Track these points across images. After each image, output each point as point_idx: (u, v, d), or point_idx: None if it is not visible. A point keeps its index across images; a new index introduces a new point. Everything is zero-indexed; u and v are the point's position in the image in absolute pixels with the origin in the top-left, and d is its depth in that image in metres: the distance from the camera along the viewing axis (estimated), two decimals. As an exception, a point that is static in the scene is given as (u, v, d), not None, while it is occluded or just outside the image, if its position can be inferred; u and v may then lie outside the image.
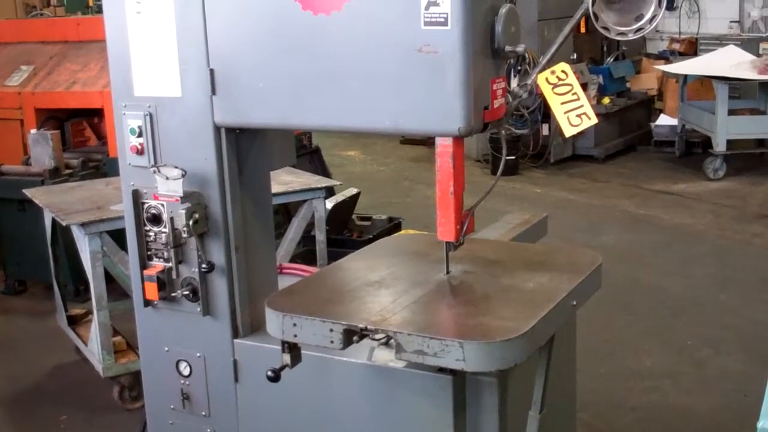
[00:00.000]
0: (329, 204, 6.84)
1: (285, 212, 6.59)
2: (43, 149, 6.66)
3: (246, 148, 3.12)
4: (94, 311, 4.88)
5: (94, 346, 5.02)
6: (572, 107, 2.72)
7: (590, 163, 11.01)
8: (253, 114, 2.92)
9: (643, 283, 6.83)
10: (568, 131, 2.71)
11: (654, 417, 4.71)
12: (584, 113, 2.71)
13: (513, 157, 10.40)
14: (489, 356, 2.39)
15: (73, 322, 5.65)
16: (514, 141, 10.37)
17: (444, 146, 2.63)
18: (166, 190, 3.08)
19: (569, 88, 2.70)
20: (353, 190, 7.29)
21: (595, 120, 2.70)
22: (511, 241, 3.52)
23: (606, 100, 11.15)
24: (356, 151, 12.47)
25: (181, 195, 3.05)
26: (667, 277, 6.93)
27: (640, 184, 10.05)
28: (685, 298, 6.48)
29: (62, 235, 5.81)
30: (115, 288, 5.46)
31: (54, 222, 5.53)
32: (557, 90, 2.71)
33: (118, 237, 4.61)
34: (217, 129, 3.01)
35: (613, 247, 7.56)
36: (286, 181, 5.44)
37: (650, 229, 8.34)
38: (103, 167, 6.93)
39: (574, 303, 2.76)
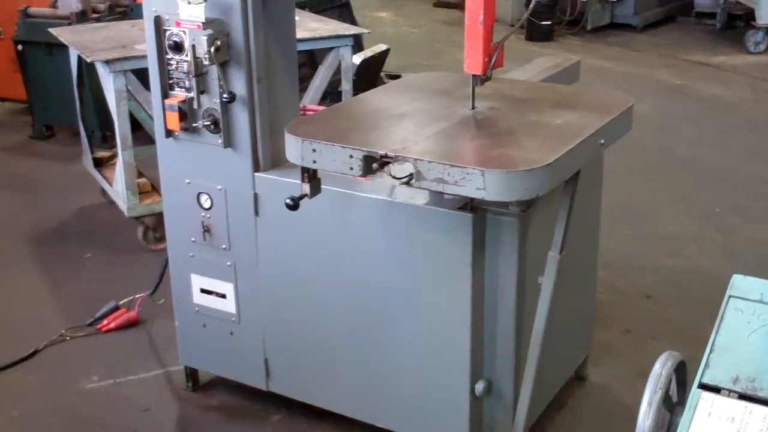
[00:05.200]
0: (358, 59, 6.70)
1: (312, 64, 6.48)
2: (71, -8, 6.54)
3: (271, -26, 3.02)
4: (119, 151, 4.86)
5: (119, 186, 5.03)
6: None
7: (628, 32, 10.70)
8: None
9: (675, 151, 6.70)
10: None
11: (675, 279, 4.67)
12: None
13: (548, 23, 10.12)
14: (510, 186, 2.34)
15: (99, 164, 5.65)
16: (550, 6, 10.07)
17: (475, -29, 2.52)
18: (188, 16, 3.00)
19: None
20: (382, 47, 7.13)
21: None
22: (541, 82, 3.42)
23: (648, -33, 10.76)
24: (388, 12, 12.20)
25: (203, 21, 2.97)
26: (699, 147, 6.80)
27: (677, 54, 9.78)
28: (716, 168, 6.37)
29: (89, 77, 5.76)
30: (141, 136, 5.44)
31: (80, 63, 5.46)
32: None
33: (144, 77, 4.55)
34: (241, -50, 2.90)
35: (646, 116, 7.38)
36: (313, 27, 5.32)
37: (685, 100, 8.15)
38: (130, 13, 6.79)
39: (602, 142, 2.69)
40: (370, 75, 7.10)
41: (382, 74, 7.42)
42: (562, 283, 2.81)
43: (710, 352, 2.01)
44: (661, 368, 2.15)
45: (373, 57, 7.03)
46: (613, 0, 10.57)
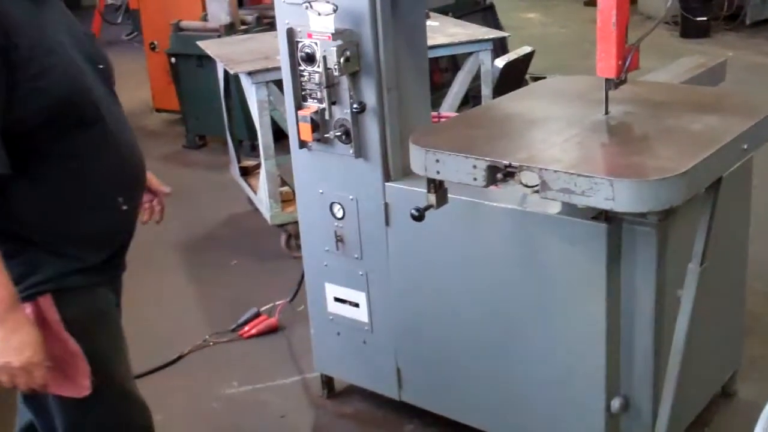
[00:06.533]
0: (501, 62, 6.60)
1: (455, 69, 6.43)
2: (219, 5, 6.74)
3: (400, -18, 3.00)
4: (262, 160, 4.97)
5: (262, 194, 5.14)
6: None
7: (791, 27, 10.17)
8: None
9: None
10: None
11: (839, 290, 4.37)
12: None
13: (704, 18, 9.71)
14: (641, 196, 2.23)
15: (246, 173, 5.79)
16: (706, 1, 9.66)
17: (606, -29, 2.42)
18: (319, 27, 3.02)
19: None
20: (527, 49, 6.98)
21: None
22: (682, 84, 3.26)
23: (814, -44, 10.16)
24: (536, 13, 12.02)
25: (333, 32, 2.98)
26: None
27: (844, 49, 9.21)
28: None
29: (236, 88, 5.91)
30: (287, 143, 5.53)
31: (226, 75, 5.62)
32: None
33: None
34: (370, -40, 2.89)
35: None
36: (452, 33, 5.28)
37: None
38: (277, 23, 6.93)
39: (745, 147, 2.52)
40: (514, 77, 6.97)
41: (527, 76, 7.29)
42: (704, 295, 2.66)
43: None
44: (774, 408, 1.96)
45: (516, 60, 6.90)
46: (775, -7, 10.05)
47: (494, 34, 5.54)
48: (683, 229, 2.68)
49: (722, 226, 2.72)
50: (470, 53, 5.33)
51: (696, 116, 2.68)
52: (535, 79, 7.31)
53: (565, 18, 11.62)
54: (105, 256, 2.30)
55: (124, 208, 2.31)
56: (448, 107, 5.26)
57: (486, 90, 5.24)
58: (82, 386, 2.19)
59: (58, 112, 2.11)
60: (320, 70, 3.05)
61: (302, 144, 3.25)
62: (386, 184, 3.11)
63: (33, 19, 2.09)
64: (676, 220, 2.64)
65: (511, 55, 6.87)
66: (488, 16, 7.58)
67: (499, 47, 7.07)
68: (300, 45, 3.10)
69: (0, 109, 2.01)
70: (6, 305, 2.02)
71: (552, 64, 8.50)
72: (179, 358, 4.05)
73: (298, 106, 3.19)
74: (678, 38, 9.77)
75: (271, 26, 6.93)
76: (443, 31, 5.27)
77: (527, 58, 7.09)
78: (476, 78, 5.47)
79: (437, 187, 2.66)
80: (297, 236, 5.06)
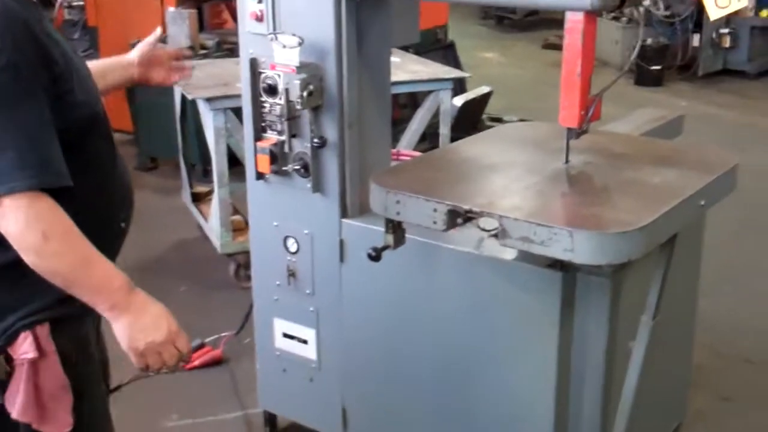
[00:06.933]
0: (459, 101, 6.66)
1: (414, 106, 6.44)
2: (179, 28, 6.67)
3: (367, 19, 2.99)
4: (215, 188, 4.91)
5: (213, 222, 5.07)
6: (721, -15, 2.44)
7: (741, 79, 10.36)
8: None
9: (786, 206, 6.41)
10: (714, 13, 2.44)
11: (782, 344, 4.43)
12: (735, -8, 2.43)
13: (658, 68, 9.90)
14: (600, 248, 2.22)
15: (197, 199, 5.72)
16: (661, 50, 9.86)
17: (574, 22, 2.43)
18: (283, 59, 2.99)
19: (720, -37, 2.43)
20: (485, 89, 7.07)
21: (746, 2, 2.42)
22: (641, 136, 3.29)
23: (764, 13, 10.37)
24: (495, 53, 12.14)
25: (297, 65, 2.95)
26: (814, 203, 6.48)
27: (793, 104, 9.43)
28: (832, 226, 6.05)
29: (192, 114, 5.85)
30: (241, 171, 5.47)
31: (183, 99, 5.56)
32: (706, -35, 2.44)
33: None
34: (337, -4, 2.88)
35: (755, 167, 7.03)
36: (414, 70, 5.29)
37: (800, 152, 7.80)
38: (238, 49, 6.88)
39: (703, 203, 2.55)
40: (471, 117, 7.04)
41: (484, 117, 7.35)
42: (654, 348, 2.67)
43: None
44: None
45: (474, 99, 6.97)
46: (727, 46, 10.27)
47: (456, 73, 5.57)
48: (637, 280, 2.69)
49: (673, 279, 2.73)
50: (430, 91, 5.33)
51: (655, 169, 2.70)
52: (492, 119, 7.38)
53: (523, 59, 11.75)
54: None
55: (122, 225, 2.27)
56: (406, 144, 5.26)
57: (444, 128, 5.25)
58: (64, 422, 2.10)
59: (88, 124, 2.07)
60: (282, 102, 3.02)
61: (259, 175, 3.21)
62: (343, 220, 3.08)
63: (48, 31, 2.02)
64: (631, 271, 2.65)
65: (470, 95, 6.95)
66: (449, 55, 7.62)
67: (458, 86, 7.13)
68: (263, 76, 3.06)
69: (55, 123, 1.94)
70: (125, 289, 2.03)
71: (509, 104, 8.57)
72: (118, 387, 3.91)
73: (257, 138, 3.15)
74: (632, 86, 9.92)
75: (232, 52, 6.88)
76: (405, 68, 5.28)
77: (485, 98, 7.17)
78: (434, 116, 5.47)
79: (395, 228, 2.64)
80: (247, 266, 5.00)
